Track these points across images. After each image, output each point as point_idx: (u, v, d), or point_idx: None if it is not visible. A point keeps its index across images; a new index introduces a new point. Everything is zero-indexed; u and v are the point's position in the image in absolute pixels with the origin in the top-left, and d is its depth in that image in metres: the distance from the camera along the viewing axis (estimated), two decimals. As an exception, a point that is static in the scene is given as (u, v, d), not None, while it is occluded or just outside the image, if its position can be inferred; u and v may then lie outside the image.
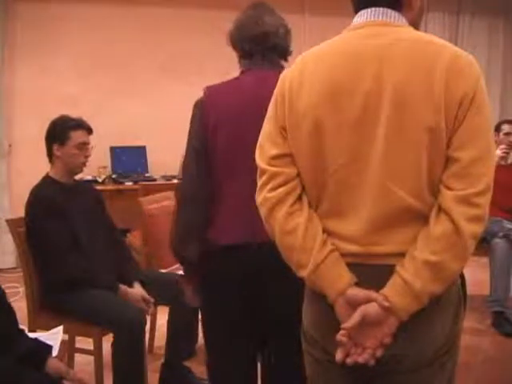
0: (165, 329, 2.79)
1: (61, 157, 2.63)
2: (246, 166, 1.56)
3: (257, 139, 1.36)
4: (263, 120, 1.36)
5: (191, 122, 1.77)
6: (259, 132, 1.37)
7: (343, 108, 1.21)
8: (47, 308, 2.63)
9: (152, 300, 2.63)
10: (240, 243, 1.66)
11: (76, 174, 2.74)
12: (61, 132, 2.64)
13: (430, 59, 1.17)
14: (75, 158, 2.65)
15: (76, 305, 2.51)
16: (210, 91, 1.75)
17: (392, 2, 1.27)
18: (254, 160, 1.36)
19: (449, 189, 1.16)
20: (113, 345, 2.44)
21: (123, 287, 2.58)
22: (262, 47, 1.75)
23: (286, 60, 1.80)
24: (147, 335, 2.89)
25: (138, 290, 2.64)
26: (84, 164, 2.71)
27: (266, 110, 1.37)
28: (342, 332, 1.19)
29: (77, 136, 2.64)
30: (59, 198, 2.59)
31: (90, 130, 2.72)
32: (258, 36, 1.73)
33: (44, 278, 2.63)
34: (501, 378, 3.01)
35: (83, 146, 2.67)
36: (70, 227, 2.57)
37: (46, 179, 2.68)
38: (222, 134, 1.70)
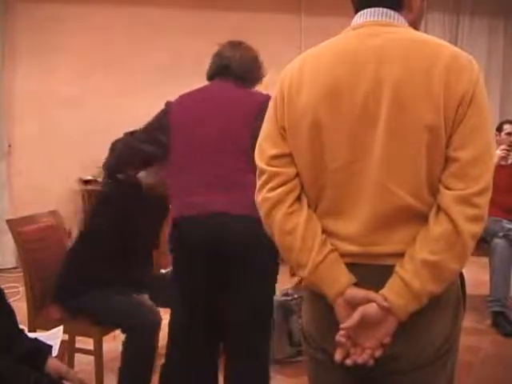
0: (166, 329, 2.78)
1: None
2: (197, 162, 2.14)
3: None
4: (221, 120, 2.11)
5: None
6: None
7: (342, 107, 1.21)
8: (58, 302, 2.58)
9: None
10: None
11: None
12: None
13: (429, 59, 1.17)
14: None
15: (91, 303, 2.49)
16: (175, 100, 2.30)
17: (392, 3, 1.28)
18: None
19: (448, 188, 1.16)
20: (124, 344, 2.43)
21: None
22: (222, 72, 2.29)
23: (243, 82, 2.25)
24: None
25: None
26: None
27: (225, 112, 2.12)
28: (341, 332, 1.19)
29: None
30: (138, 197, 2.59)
31: None
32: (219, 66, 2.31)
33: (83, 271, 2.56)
34: (501, 377, 3.01)
35: None
36: (134, 227, 2.58)
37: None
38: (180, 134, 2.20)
